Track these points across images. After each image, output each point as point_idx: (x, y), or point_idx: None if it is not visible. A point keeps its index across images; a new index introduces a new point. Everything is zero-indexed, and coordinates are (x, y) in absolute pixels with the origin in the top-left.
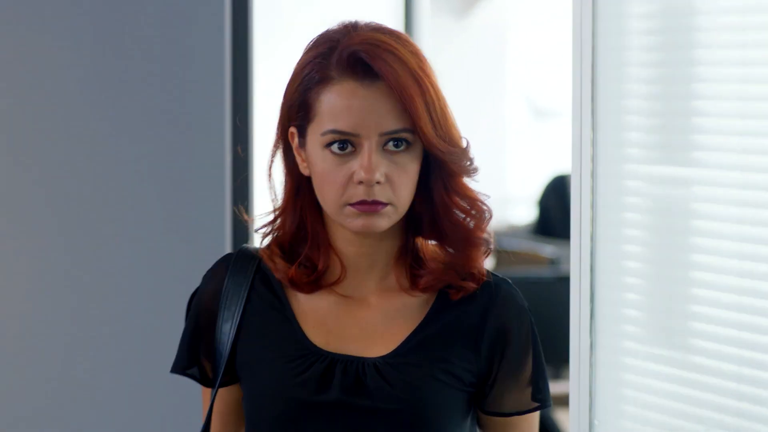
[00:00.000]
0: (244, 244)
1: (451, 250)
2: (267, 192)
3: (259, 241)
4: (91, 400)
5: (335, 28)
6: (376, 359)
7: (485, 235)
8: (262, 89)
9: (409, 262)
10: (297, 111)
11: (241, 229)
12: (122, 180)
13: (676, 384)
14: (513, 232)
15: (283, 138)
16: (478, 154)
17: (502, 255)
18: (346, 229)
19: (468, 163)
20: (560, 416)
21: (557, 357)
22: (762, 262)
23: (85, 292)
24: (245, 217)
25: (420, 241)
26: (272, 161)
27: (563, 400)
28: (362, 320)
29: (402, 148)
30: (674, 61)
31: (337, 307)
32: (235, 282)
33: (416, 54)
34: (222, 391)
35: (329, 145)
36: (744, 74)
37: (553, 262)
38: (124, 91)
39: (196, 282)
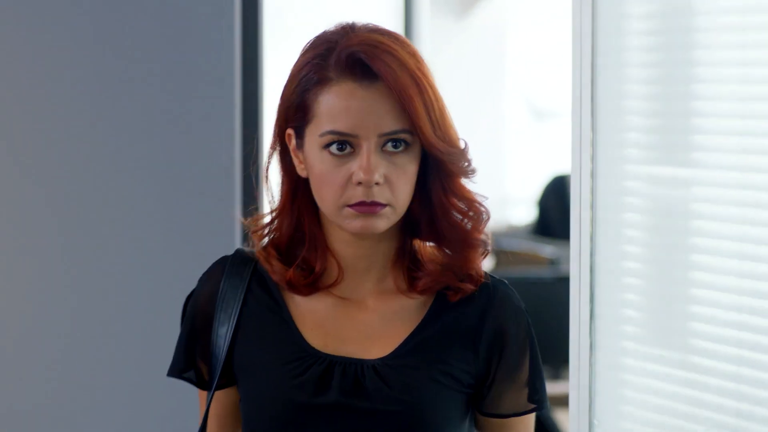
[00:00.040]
0: (240, 246)
1: (448, 251)
2: (264, 194)
3: (255, 243)
4: (91, 401)
5: (332, 29)
6: (375, 361)
7: (483, 237)
8: (272, 85)
9: (407, 264)
10: (295, 112)
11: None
12: (130, 179)
13: (676, 384)
14: (513, 232)
15: (280, 140)
16: (477, 154)
17: (501, 255)
18: (343, 231)
19: (466, 164)
20: (560, 416)
21: (557, 357)
22: (762, 262)
23: (88, 292)
24: (241, 219)
25: (417, 243)
26: (269, 163)
27: (563, 401)
28: (360, 322)
29: (401, 149)
30: (674, 62)
31: (334, 309)
32: (231, 284)
33: (414, 55)
34: (219, 394)
35: (328, 146)
36: (743, 75)
37: (552, 262)
38: (131, 89)
39: None
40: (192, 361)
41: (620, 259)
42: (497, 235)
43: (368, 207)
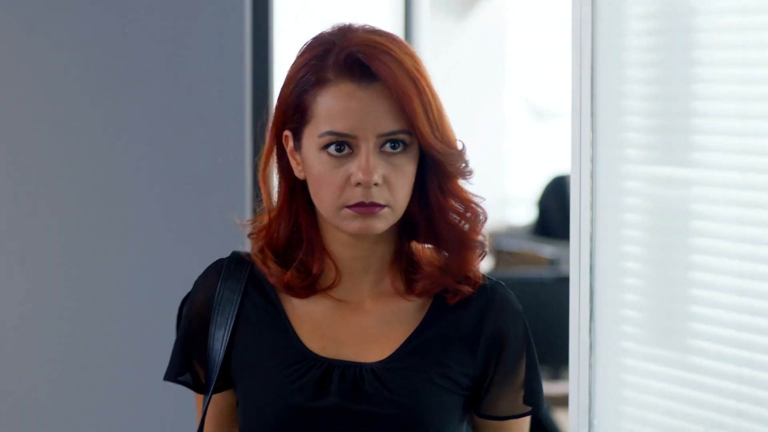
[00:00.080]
0: (235, 249)
1: (446, 253)
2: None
3: (252, 245)
4: (90, 403)
5: (329, 30)
6: (373, 364)
7: (480, 238)
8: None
9: (405, 266)
10: (293, 114)
11: None
12: (140, 179)
13: (676, 385)
14: (512, 232)
15: (277, 142)
16: (477, 154)
17: (501, 255)
18: (341, 232)
19: (463, 165)
20: (560, 417)
21: (556, 358)
22: (761, 262)
23: (96, 292)
24: (238, 221)
25: (414, 245)
26: (265, 165)
27: (563, 401)
28: (358, 325)
29: (399, 149)
30: (673, 62)
31: (332, 311)
32: (227, 288)
33: (412, 56)
34: (215, 397)
35: (326, 147)
36: (743, 75)
37: (552, 262)
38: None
39: None
40: (188, 365)
41: (620, 260)
42: (497, 236)
43: (367, 208)
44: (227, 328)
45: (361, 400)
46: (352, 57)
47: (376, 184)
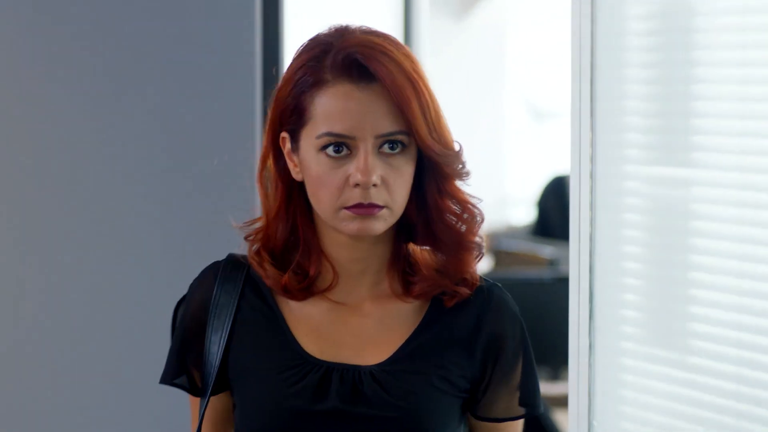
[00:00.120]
0: (231, 252)
1: (443, 255)
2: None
3: (248, 248)
4: (89, 404)
5: (326, 31)
6: (372, 367)
7: (477, 239)
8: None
9: (402, 268)
10: (290, 115)
11: None
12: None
13: (676, 385)
14: (512, 233)
15: (273, 144)
16: (477, 154)
17: (501, 256)
18: (338, 234)
19: (460, 166)
20: (559, 417)
21: (556, 358)
22: (761, 262)
23: (90, 291)
24: (234, 224)
25: (412, 247)
26: (263, 167)
27: (562, 401)
28: (356, 327)
29: (397, 150)
30: (673, 62)
31: (329, 314)
32: (224, 290)
33: (409, 56)
34: (212, 400)
35: (324, 148)
36: (743, 75)
37: (552, 263)
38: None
39: None
40: (184, 367)
41: (619, 260)
42: (497, 236)
43: (365, 209)
44: (224, 331)
45: (360, 403)
46: (350, 58)
47: (374, 185)
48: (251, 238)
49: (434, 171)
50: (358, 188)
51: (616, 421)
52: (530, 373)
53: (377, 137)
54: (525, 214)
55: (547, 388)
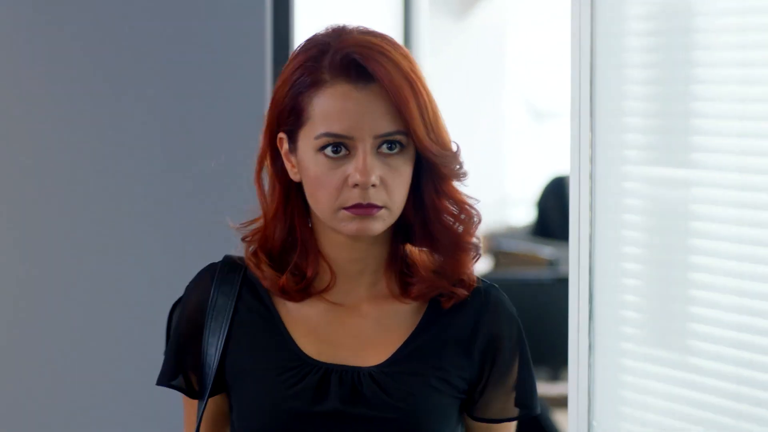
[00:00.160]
0: (227, 253)
1: (440, 256)
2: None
3: (245, 249)
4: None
5: (323, 32)
6: (371, 368)
7: (474, 240)
8: None
9: (400, 269)
10: (288, 116)
11: None
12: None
13: (675, 385)
14: (512, 233)
15: (270, 144)
16: (477, 155)
17: (500, 256)
18: (336, 234)
19: (458, 166)
20: (559, 418)
21: (556, 359)
22: (761, 263)
23: (90, 291)
24: (231, 225)
25: (409, 248)
26: (260, 168)
27: (562, 402)
28: (354, 328)
29: (396, 150)
30: (673, 63)
31: (327, 314)
32: (221, 292)
33: (407, 57)
34: (207, 402)
35: (323, 148)
36: (743, 75)
37: (551, 263)
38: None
39: None
40: (181, 370)
41: (619, 260)
42: (496, 236)
43: (364, 209)
44: (222, 333)
45: (359, 404)
46: (348, 58)
47: (373, 186)
48: (248, 239)
49: (432, 171)
50: (356, 188)
51: (616, 421)
52: (527, 373)
53: (376, 137)
54: (525, 214)
55: (546, 389)
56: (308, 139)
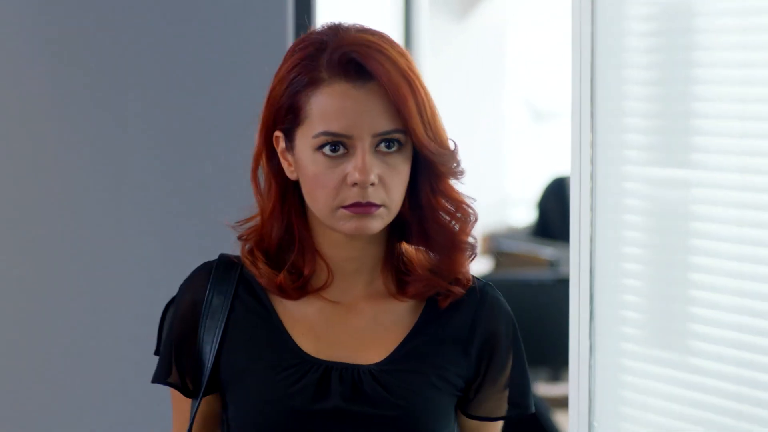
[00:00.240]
0: (223, 252)
1: (436, 255)
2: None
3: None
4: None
5: (319, 30)
6: (371, 366)
7: (470, 239)
8: None
9: (396, 267)
10: (285, 114)
11: None
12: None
13: (676, 386)
14: (512, 234)
15: (266, 143)
16: (477, 155)
17: (501, 257)
18: (333, 233)
19: (455, 165)
20: (560, 418)
21: (556, 359)
22: (761, 263)
23: (90, 291)
24: (227, 223)
25: (405, 247)
26: (256, 167)
27: (563, 402)
28: (352, 326)
29: (394, 149)
30: (673, 63)
31: (324, 312)
32: (218, 291)
33: (404, 55)
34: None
35: (321, 147)
36: (743, 76)
37: (552, 264)
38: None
39: None
40: (176, 369)
41: (620, 261)
42: (497, 237)
43: (363, 208)
44: (217, 331)
45: (361, 401)
46: (346, 56)
47: (372, 184)
48: (244, 237)
49: (429, 169)
50: (355, 187)
51: (617, 421)
52: (521, 372)
53: (374, 136)
54: (525, 215)
55: (547, 389)
56: (306, 137)
